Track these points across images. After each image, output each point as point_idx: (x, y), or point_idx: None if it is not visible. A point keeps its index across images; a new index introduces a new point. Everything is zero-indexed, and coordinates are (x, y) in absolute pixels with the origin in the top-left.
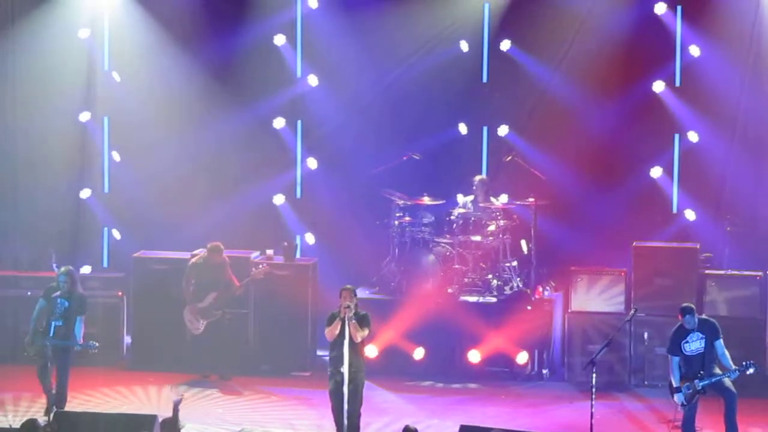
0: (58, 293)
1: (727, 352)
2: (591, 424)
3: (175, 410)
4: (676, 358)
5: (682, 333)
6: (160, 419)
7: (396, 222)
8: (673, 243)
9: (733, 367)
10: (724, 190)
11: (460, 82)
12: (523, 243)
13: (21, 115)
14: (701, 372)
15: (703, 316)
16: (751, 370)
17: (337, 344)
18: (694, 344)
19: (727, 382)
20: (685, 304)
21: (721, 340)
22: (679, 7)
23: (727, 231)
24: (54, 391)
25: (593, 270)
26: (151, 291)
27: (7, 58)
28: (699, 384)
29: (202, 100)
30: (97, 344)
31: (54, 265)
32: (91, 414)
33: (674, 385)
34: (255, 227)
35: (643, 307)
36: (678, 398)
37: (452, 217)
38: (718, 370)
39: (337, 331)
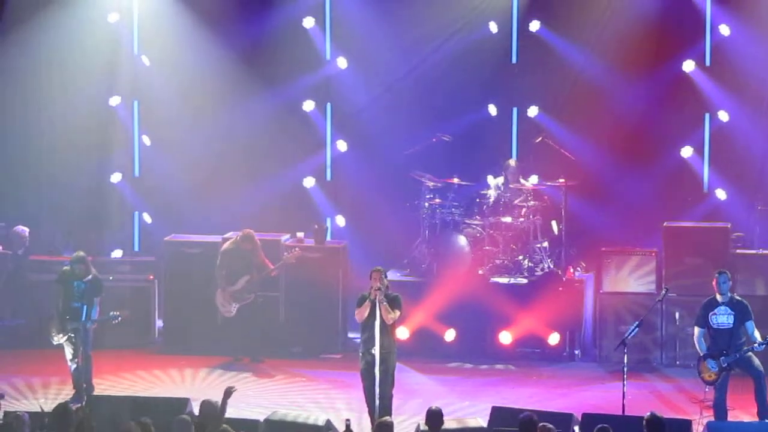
0: (73, 277)
1: (757, 332)
2: (623, 404)
3: (225, 398)
4: (701, 330)
5: (711, 305)
6: (192, 402)
7: (426, 204)
8: (703, 223)
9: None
10: (754, 169)
11: (489, 63)
12: (554, 224)
13: (51, 100)
14: (726, 349)
15: (736, 296)
16: None
17: (368, 326)
18: (722, 317)
19: (756, 361)
20: (721, 269)
21: (752, 322)
22: None
23: (758, 210)
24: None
25: (624, 250)
26: (182, 274)
27: (37, 43)
28: (724, 361)
29: (232, 83)
30: (119, 314)
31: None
32: (123, 397)
33: (701, 353)
34: (285, 210)
35: (675, 287)
36: (709, 364)
37: (484, 198)
38: (745, 349)
39: (367, 313)
